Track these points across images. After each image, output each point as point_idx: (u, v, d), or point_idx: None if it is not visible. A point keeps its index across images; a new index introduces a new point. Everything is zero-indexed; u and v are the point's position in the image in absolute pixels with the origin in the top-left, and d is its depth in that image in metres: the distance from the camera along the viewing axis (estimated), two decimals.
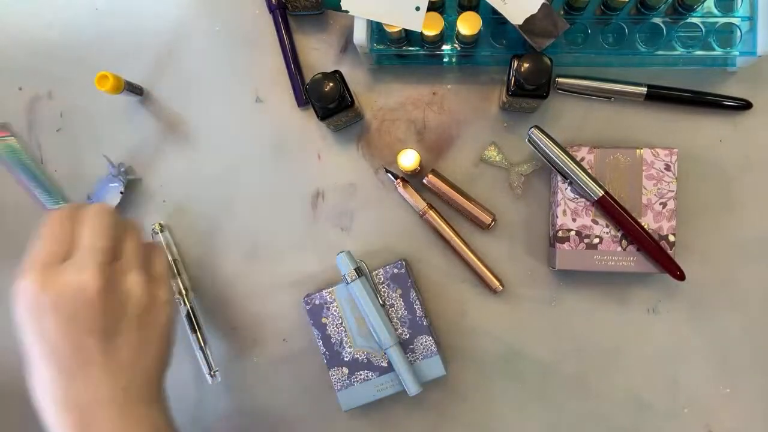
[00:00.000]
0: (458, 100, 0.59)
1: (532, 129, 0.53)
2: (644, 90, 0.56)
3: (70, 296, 0.41)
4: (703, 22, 0.53)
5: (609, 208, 0.53)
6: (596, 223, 0.54)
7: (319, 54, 0.60)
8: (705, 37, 0.53)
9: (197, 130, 0.61)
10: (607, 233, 0.54)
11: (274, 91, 0.60)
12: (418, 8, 0.51)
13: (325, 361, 0.56)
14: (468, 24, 0.51)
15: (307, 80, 0.53)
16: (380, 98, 0.60)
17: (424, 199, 0.58)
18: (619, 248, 0.54)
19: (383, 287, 0.55)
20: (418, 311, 0.55)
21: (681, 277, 0.53)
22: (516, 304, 0.59)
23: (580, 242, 0.54)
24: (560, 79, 0.57)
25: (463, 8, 0.54)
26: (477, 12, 0.51)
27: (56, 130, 0.61)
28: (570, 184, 0.54)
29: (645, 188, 0.54)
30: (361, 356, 0.55)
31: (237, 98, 0.60)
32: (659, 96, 0.57)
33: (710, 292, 0.57)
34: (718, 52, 0.54)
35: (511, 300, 0.59)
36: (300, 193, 0.60)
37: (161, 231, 0.59)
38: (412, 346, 0.55)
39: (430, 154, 0.59)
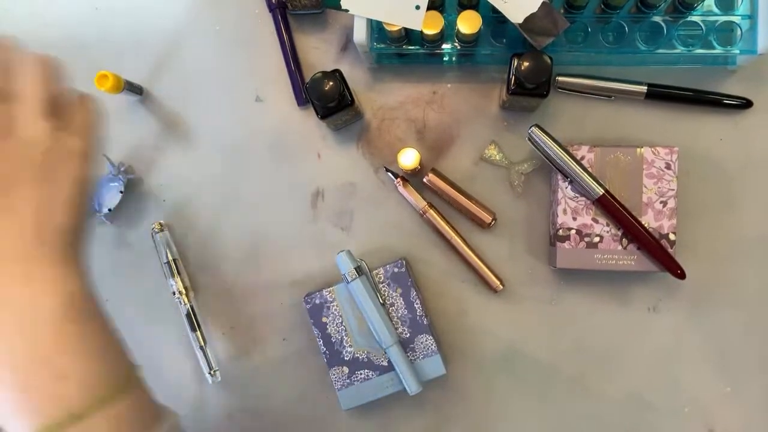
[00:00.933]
0: (458, 99, 0.59)
1: (533, 128, 0.53)
2: (644, 89, 0.56)
3: None
4: (703, 21, 0.53)
5: (609, 206, 0.53)
6: (597, 221, 0.54)
7: (319, 53, 0.60)
8: (705, 36, 0.53)
9: (197, 129, 0.61)
10: (608, 232, 0.54)
11: (274, 90, 0.60)
12: (418, 7, 0.51)
13: (325, 360, 0.56)
14: (468, 23, 0.51)
15: (307, 79, 0.53)
16: (380, 97, 0.60)
17: (425, 198, 0.58)
18: (620, 247, 0.54)
19: (383, 286, 0.55)
20: (418, 310, 0.55)
21: (681, 275, 0.53)
22: (516, 303, 0.58)
23: (580, 241, 0.54)
24: (560, 78, 0.57)
25: (463, 7, 0.54)
26: (477, 11, 0.51)
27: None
28: (570, 182, 0.54)
29: (645, 187, 0.54)
30: (361, 355, 0.55)
31: (237, 97, 0.60)
32: (659, 95, 0.56)
33: (711, 290, 0.57)
34: (719, 50, 0.54)
35: (512, 299, 0.59)
36: (300, 192, 0.60)
37: (161, 230, 0.59)
38: (412, 345, 0.55)
39: (430, 153, 0.59)
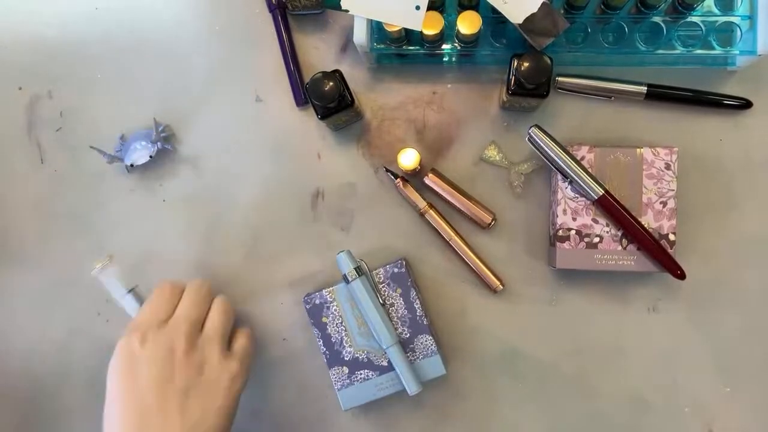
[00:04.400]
0: (458, 99, 0.59)
1: (532, 128, 0.53)
2: (644, 89, 0.56)
3: (161, 355, 0.48)
4: (703, 21, 0.53)
5: (609, 207, 0.53)
6: (596, 222, 0.54)
7: (319, 53, 0.60)
8: (705, 36, 0.53)
9: (196, 130, 0.61)
10: (608, 232, 0.54)
11: (274, 90, 0.60)
12: (418, 7, 0.51)
13: (325, 360, 0.56)
14: (468, 23, 0.51)
15: (307, 80, 0.53)
16: (380, 97, 0.60)
17: (424, 199, 0.58)
18: (620, 247, 0.54)
19: (383, 286, 0.55)
20: (418, 310, 0.55)
21: (681, 276, 0.53)
22: (516, 304, 0.58)
23: (580, 241, 0.54)
24: (560, 78, 0.57)
25: (463, 7, 0.54)
26: (477, 11, 0.51)
27: (56, 130, 0.61)
28: (570, 183, 0.54)
29: (645, 187, 0.54)
30: (361, 355, 0.55)
31: (237, 98, 0.60)
32: (659, 95, 0.56)
33: (711, 291, 0.57)
34: (718, 51, 0.54)
35: (511, 299, 0.59)
36: (300, 192, 0.60)
37: (105, 266, 0.58)
38: (412, 346, 0.55)
39: (430, 153, 0.59)
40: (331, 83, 0.52)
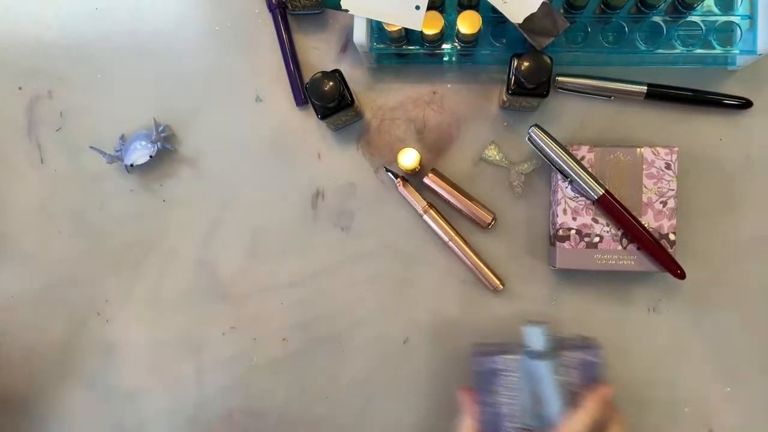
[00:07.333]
0: (458, 99, 0.59)
1: (532, 128, 0.53)
2: (644, 89, 0.56)
3: None
4: (703, 21, 0.53)
5: (609, 206, 0.53)
6: (596, 221, 0.54)
7: (318, 53, 0.60)
8: (705, 36, 0.53)
9: (196, 130, 0.61)
10: (608, 232, 0.54)
11: (274, 90, 0.60)
12: (418, 7, 0.51)
13: (481, 426, 0.50)
14: (468, 23, 0.51)
15: (307, 79, 0.53)
16: (380, 97, 0.60)
17: (425, 198, 0.58)
18: (620, 247, 0.54)
19: (565, 370, 0.49)
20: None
21: (681, 275, 0.53)
22: (516, 303, 0.58)
23: (580, 241, 0.54)
24: (560, 78, 0.57)
25: (463, 7, 0.54)
26: (477, 11, 0.51)
27: (56, 130, 0.61)
28: (570, 182, 0.54)
29: (645, 187, 0.54)
30: None
31: (237, 98, 0.60)
32: (659, 95, 0.56)
33: (711, 290, 0.57)
34: (718, 50, 0.54)
35: (512, 299, 0.59)
36: (300, 192, 0.60)
37: None
38: None
39: (430, 153, 0.59)
40: (331, 83, 0.52)
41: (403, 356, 0.59)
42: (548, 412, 0.49)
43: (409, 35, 0.55)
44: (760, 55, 0.52)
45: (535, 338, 0.50)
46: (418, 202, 0.57)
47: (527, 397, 0.49)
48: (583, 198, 0.54)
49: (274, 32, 0.59)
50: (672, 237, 0.53)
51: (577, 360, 0.50)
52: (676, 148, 0.54)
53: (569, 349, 0.50)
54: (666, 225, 0.53)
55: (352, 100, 0.54)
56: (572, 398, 0.49)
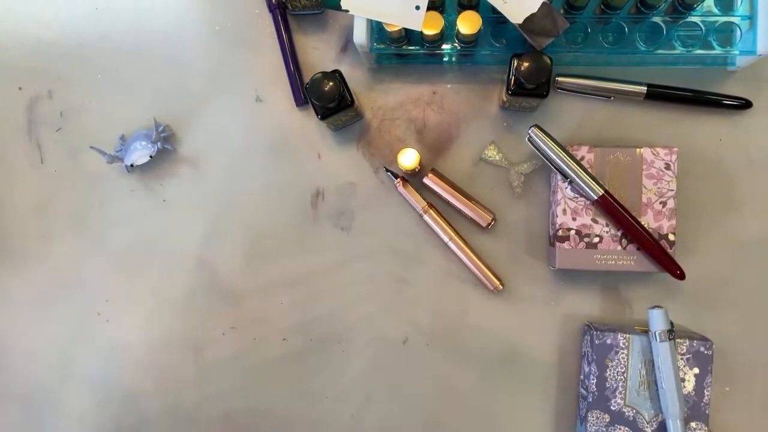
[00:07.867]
0: (458, 99, 0.59)
1: (532, 128, 0.53)
2: (644, 89, 0.56)
3: None
4: (703, 21, 0.53)
5: (609, 207, 0.53)
6: (596, 222, 0.54)
7: (318, 53, 0.60)
8: (705, 36, 0.53)
9: (196, 130, 0.61)
10: (607, 232, 0.54)
11: (274, 90, 0.60)
12: (418, 7, 0.51)
13: (584, 399, 0.54)
14: (468, 23, 0.51)
15: (307, 80, 0.53)
16: (380, 97, 0.60)
17: (425, 199, 0.58)
18: (619, 247, 0.54)
19: (682, 358, 0.53)
20: (706, 397, 0.53)
21: (681, 276, 0.53)
22: (516, 304, 0.59)
23: (580, 241, 0.54)
24: (560, 78, 0.57)
25: (463, 7, 0.54)
26: (477, 11, 0.51)
27: (56, 130, 0.61)
28: (570, 183, 0.54)
29: (645, 187, 0.54)
30: (628, 412, 0.54)
31: (237, 98, 0.60)
32: (659, 95, 0.56)
33: (710, 291, 0.57)
34: (718, 51, 0.54)
35: (511, 299, 0.59)
36: (300, 192, 0.60)
37: None
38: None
39: (430, 153, 0.59)
40: (331, 83, 0.52)
41: (403, 356, 0.59)
42: (663, 394, 0.52)
43: (409, 35, 0.55)
44: (759, 55, 0.52)
45: (661, 320, 0.52)
46: (418, 202, 0.57)
47: (636, 377, 0.53)
48: (583, 198, 0.54)
49: (274, 32, 0.60)
50: (671, 237, 0.53)
51: (687, 346, 0.53)
52: (675, 149, 0.54)
53: (686, 339, 0.53)
54: (665, 225, 0.53)
55: (352, 101, 0.54)
56: (682, 384, 0.52)
